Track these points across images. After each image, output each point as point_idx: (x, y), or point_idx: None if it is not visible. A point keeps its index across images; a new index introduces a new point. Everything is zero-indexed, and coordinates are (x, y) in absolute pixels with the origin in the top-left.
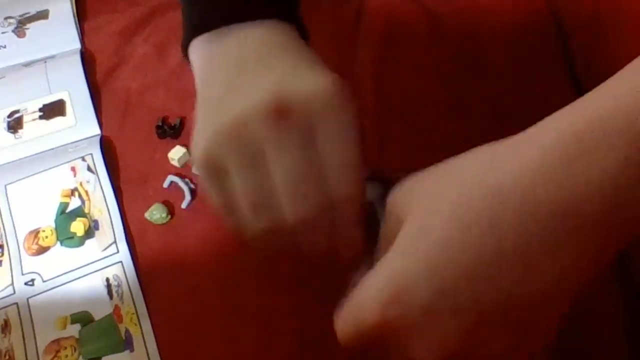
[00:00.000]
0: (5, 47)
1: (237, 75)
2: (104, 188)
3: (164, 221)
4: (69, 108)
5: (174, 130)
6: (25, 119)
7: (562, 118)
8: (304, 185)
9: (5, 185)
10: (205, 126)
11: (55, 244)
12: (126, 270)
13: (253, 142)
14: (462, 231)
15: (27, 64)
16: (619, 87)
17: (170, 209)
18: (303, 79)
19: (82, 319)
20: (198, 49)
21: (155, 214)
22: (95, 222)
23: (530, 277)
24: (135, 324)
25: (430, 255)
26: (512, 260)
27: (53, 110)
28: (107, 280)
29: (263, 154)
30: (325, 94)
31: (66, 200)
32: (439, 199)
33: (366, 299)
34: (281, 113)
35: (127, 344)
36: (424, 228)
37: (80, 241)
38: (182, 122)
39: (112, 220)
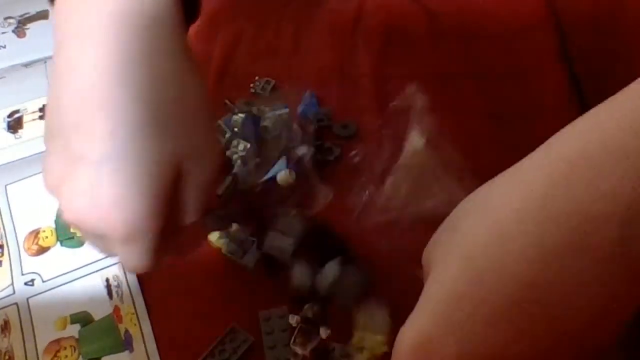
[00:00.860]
0: (5, 47)
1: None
2: None
3: None
4: None
5: None
6: (25, 119)
7: (564, 142)
8: None
9: (5, 186)
10: (73, 187)
11: (55, 244)
12: (126, 271)
13: None
14: (471, 284)
15: (27, 64)
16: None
17: None
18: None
19: (82, 319)
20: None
21: None
22: None
23: (546, 324)
24: (135, 324)
25: (448, 311)
26: (523, 307)
27: None
28: (107, 280)
29: None
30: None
31: None
32: (449, 253)
33: (400, 351)
34: None
35: (126, 344)
36: (438, 283)
37: (81, 241)
38: None
39: None
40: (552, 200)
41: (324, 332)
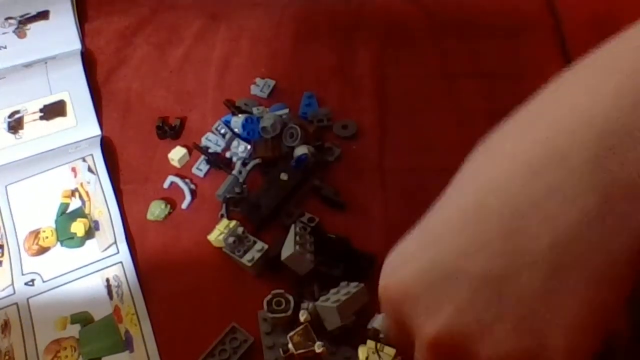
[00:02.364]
0: (5, 47)
1: None
2: (104, 188)
3: (164, 214)
4: (69, 108)
5: (174, 130)
6: (25, 119)
7: (554, 86)
8: None
9: (6, 186)
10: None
11: (55, 245)
12: (126, 271)
13: None
14: (455, 203)
15: (27, 65)
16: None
17: (170, 209)
18: None
19: (82, 319)
20: None
21: (155, 209)
22: (96, 222)
23: (522, 238)
24: (135, 325)
25: (423, 234)
26: (500, 219)
27: (53, 110)
28: (107, 280)
29: None
30: None
31: (67, 200)
32: (453, 187)
33: (383, 272)
34: None
35: (127, 344)
36: (435, 209)
37: (81, 241)
38: (182, 122)
39: (113, 220)
40: (526, 119)
41: (318, 347)
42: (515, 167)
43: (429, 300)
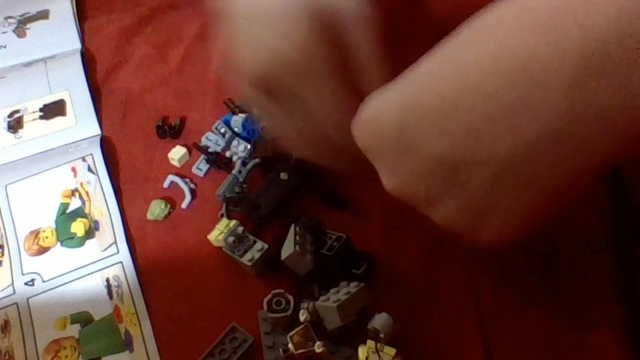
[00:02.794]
0: (5, 47)
1: None
2: (104, 188)
3: (164, 213)
4: (69, 108)
5: (174, 130)
6: (25, 119)
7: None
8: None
9: (6, 186)
10: (255, 44)
11: (55, 244)
12: (126, 271)
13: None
14: (433, 78)
15: (27, 64)
16: None
17: (171, 209)
18: None
19: (82, 319)
20: None
21: (155, 209)
22: (96, 222)
23: (484, 143)
24: (135, 324)
25: (404, 93)
26: (469, 119)
27: (53, 110)
28: (107, 280)
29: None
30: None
31: (67, 200)
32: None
33: (357, 115)
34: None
35: (127, 344)
36: (412, 70)
37: (81, 241)
38: (182, 122)
39: (112, 220)
40: (506, 44)
41: (318, 347)
42: (495, 73)
43: (392, 160)
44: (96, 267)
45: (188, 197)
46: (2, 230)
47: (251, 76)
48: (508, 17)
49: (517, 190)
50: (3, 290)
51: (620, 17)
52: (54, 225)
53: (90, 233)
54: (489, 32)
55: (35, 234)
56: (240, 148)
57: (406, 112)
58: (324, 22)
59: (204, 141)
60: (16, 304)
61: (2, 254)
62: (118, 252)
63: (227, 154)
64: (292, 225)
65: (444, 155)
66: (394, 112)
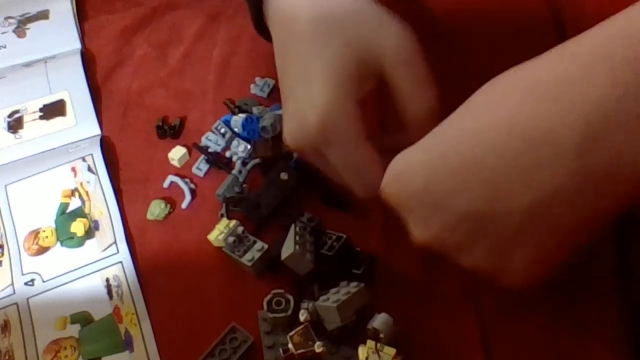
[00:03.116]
0: (5, 47)
1: (311, 41)
2: (104, 188)
3: (165, 213)
4: (69, 108)
5: (174, 130)
6: (25, 119)
7: (554, 54)
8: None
9: (6, 186)
10: (287, 117)
11: (55, 244)
12: (126, 271)
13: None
14: (457, 140)
15: (27, 64)
16: (611, 23)
17: (171, 209)
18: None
19: (82, 319)
20: (271, 18)
21: (155, 209)
22: (96, 222)
23: (504, 197)
24: (135, 325)
25: (430, 153)
26: (489, 176)
27: (53, 110)
28: (107, 280)
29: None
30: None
31: (66, 200)
32: (457, 110)
33: (386, 171)
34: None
35: (126, 344)
36: (436, 131)
37: (80, 241)
38: (182, 122)
39: (112, 220)
40: (519, 111)
41: (318, 347)
42: (512, 136)
43: (422, 215)
44: (96, 267)
45: (188, 197)
46: (2, 230)
47: (287, 140)
48: (518, 87)
49: (539, 236)
50: (3, 290)
51: (617, 84)
52: (53, 225)
53: (90, 233)
54: (502, 100)
55: (35, 233)
56: (240, 148)
57: (433, 171)
58: (367, 78)
59: (204, 141)
60: (16, 304)
61: (2, 254)
62: (118, 252)
63: (227, 154)
64: (292, 225)
65: (469, 210)
66: (422, 170)
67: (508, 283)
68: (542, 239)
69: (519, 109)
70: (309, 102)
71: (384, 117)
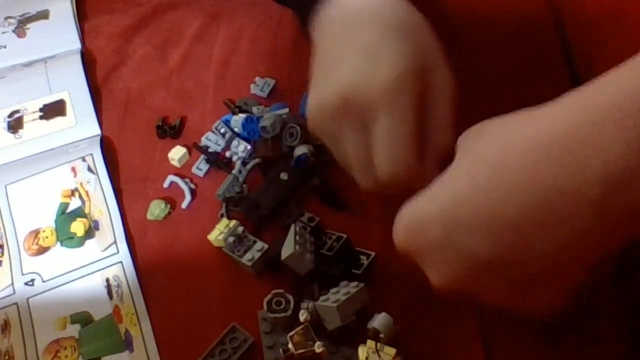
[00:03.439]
0: (5, 47)
1: (343, 38)
2: (104, 188)
3: (165, 213)
4: (69, 108)
5: (174, 130)
6: (25, 119)
7: (568, 107)
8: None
9: (6, 186)
10: (315, 93)
11: (55, 244)
12: (126, 271)
13: (357, 111)
14: (473, 191)
15: (27, 64)
16: (624, 76)
17: (170, 209)
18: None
19: (82, 319)
20: (316, 18)
21: (155, 209)
22: (96, 222)
23: (525, 245)
24: (135, 324)
25: (445, 202)
26: (509, 226)
27: (53, 110)
28: (107, 280)
29: (367, 121)
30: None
31: (66, 200)
32: (464, 156)
33: (397, 221)
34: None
35: (126, 344)
36: (449, 180)
37: (80, 241)
38: (182, 122)
39: (112, 220)
40: (553, 143)
41: (318, 347)
42: (531, 194)
43: (441, 263)
44: (96, 267)
45: (188, 197)
46: (2, 230)
47: (332, 93)
48: (534, 145)
49: (562, 275)
50: (3, 290)
51: (630, 139)
52: (53, 225)
53: (90, 233)
54: (519, 160)
55: (35, 233)
56: (240, 148)
57: (452, 221)
58: (418, 70)
59: (204, 141)
60: (16, 304)
61: (2, 254)
62: (118, 252)
63: (227, 154)
64: (292, 225)
65: (491, 258)
66: (440, 220)
67: (530, 314)
68: (565, 276)
69: (536, 169)
70: (373, 70)
71: None
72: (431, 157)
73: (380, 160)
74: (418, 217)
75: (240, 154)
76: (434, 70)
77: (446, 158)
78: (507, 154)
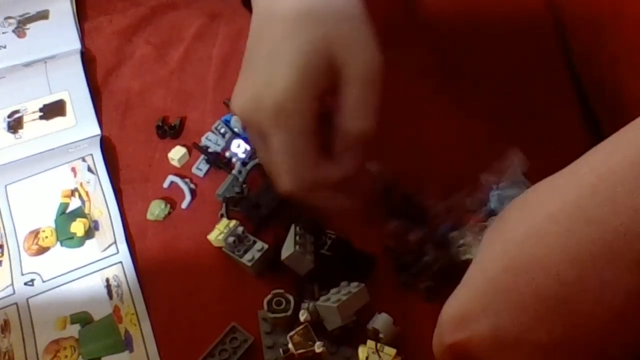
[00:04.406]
0: (5, 47)
1: (290, 25)
2: (104, 188)
3: (164, 214)
4: (69, 108)
5: (174, 130)
6: (25, 119)
7: (596, 157)
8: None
9: (6, 186)
10: (235, 89)
11: (55, 244)
12: (126, 271)
13: (254, 124)
14: (506, 273)
15: (27, 64)
16: None
17: (170, 209)
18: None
19: (82, 319)
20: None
21: (155, 209)
22: (95, 222)
23: (579, 316)
24: (135, 325)
25: (486, 293)
26: (552, 304)
27: (53, 110)
28: (107, 280)
29: (263, 134)
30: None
31: (66, 200)
32: (493, 241)
33: (442, 322)
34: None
35: (126, 344)
36: (480, 266)
37: (80, 241)
38: (182, 122)
39: (112, 220)
40: (581, 212)
41: (318, 347)
42: (570, 264)
43: (497, 357)
44: (96, 267)
45: (188, 197)
46: (2, 230)
47: (234, 107)
48: (560, 219)
49: (622, 336)
50: (3, 290)
51: None
52: (53, 225)
53: (90, 233)
54: (550, 236)
55: (35, 234)
56: (240, 148)
57: (499, 312)
58: (322, 63)
59: (203, 141)
60: (16, 304)
61: (2, 254)
62: (118, 252)
63: (227, 154)
64: (292, 225)
65: (548, 340)
66: (485, 314)
67: None
68: (629, 336)
69: (560, 243)
70: (270, 79)
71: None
72: (344, 146)
73: (275, 174)
74: (463, 314)
75: (240, 154)
76: (347, 54)
77: (368, 142)
78: (538, 232)
